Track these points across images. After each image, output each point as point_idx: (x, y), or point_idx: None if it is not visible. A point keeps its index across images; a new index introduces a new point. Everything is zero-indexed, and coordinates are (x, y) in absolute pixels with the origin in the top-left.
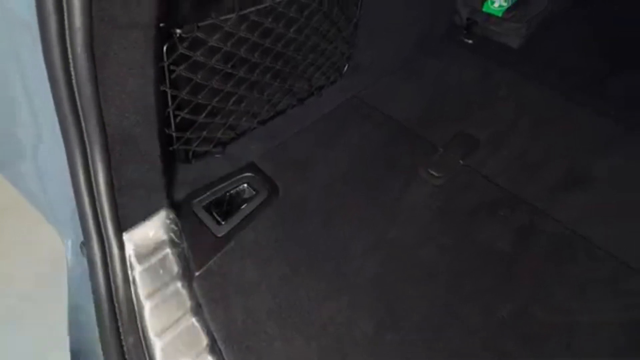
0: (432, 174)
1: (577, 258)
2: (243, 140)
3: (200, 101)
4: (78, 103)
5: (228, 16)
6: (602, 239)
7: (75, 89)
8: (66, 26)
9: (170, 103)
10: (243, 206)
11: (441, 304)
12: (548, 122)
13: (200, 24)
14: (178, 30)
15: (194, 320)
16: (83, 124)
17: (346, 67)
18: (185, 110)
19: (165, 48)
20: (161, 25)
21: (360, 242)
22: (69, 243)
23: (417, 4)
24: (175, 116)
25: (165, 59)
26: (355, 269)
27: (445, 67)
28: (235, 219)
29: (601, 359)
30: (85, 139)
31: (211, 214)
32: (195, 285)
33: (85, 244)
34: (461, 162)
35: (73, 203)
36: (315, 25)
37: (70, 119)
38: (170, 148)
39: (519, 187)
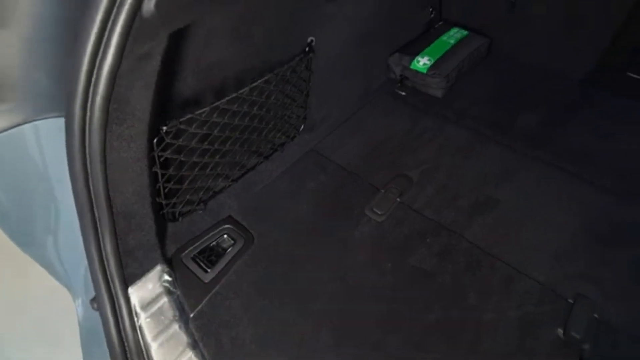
0: (375, 212)
1: (482, 269)
2: (220, 197)
3: (183, 173)
4: (92, 192)
5: (202, 110)
6: (500, 252)
7: (91, 183)
8: (87, 143)
9: (160, 179)
10: (227, 251)
11: (383, 314)
12: (464, 158)
13: (181, 120)
14: (164, 127)
15: (192, 354)
16: (95, 207)
17: (302, 126)
18: (172, 182)
19: (155, 141)
20: (151, 126)
21: (322, 274)
22: (79, 301)
23: (357, 69)
24: (164, 188)
25: (155, 148)
26: (319, 296)
27: (383, 117)
28: (219, 266)
29: (502, 347)
30: (96, 216)
31: (198, 263)
32: (190, 325)
33: (96, 300)
34: (398, 200)
35: (84, 266)
36: (274, 101)
37: (85, 205)
38: (161, 212)
39: (441, 216)
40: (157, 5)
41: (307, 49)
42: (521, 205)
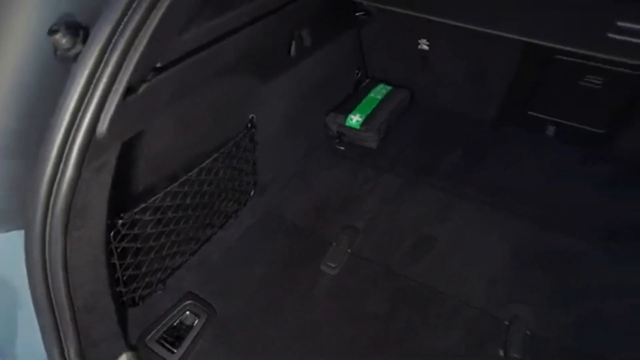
0: (330, 266)
1: (431, 304)
2: (179, 273)
3: (141, 259)
4: (52, 294)
5: (155, 197)
6: (444, 286)
7: (51, 286)
8: (47, 251)
9: (118, 269)
10: (191, 328)
11: (344, 355)
12: (400, 202)
13: (135, 210)
14: (120, 220)
15: None
16: (56, 308)
17: (252, 191)
18: (130, 269)
19: (112, 234)
20: (107, 222)
21: (285, 331)
22: None
23: (299, 130)
24: (123, 276)
25: (112, 241)
26: (282, 352)
27: (327, 172)
28: (184, 345)
29: None
30: (57, 317)
31: (163, 345)
32: None
33: None
34: (349, 251)
35: None
36: (223, 176)
37: (45, 307)
38: (121, 300)
39: (389, 260)
40: (109, 129)
41: (249, 124)
42: (457, 240)
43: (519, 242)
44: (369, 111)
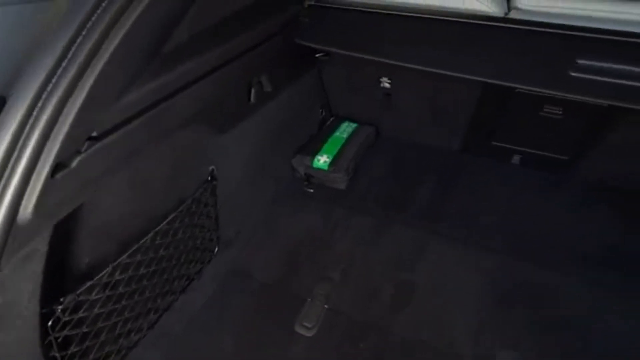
0: (305, 326)
1: (414, 353)
2: (137, 352)
3: (89, 344)
4: None
5: (102, 272)
6: (427, 335)
7: None
8: None
9: None
10: None
11: None
12: (374, 245)
13: (79, 291)
14: (59, 307)
15: None
16: None
17: (216, 248)
18: (77, 359)
19: (50, 324)
20: (42, 312)
21: None
22: None
23: (264, 175)
24: None
25: (50, 332)
26: None
27: (296, 216)
28: None
29: None
30: None
31: None
32: None
33: None
34: (326, 306)
35: None
36: (181, 236)
37: None
38: None
39: (368, 314)
40: (35, 212)
41: (209, 177)
42: (434, 283)
43: (494, 277)
44: (335, 151)
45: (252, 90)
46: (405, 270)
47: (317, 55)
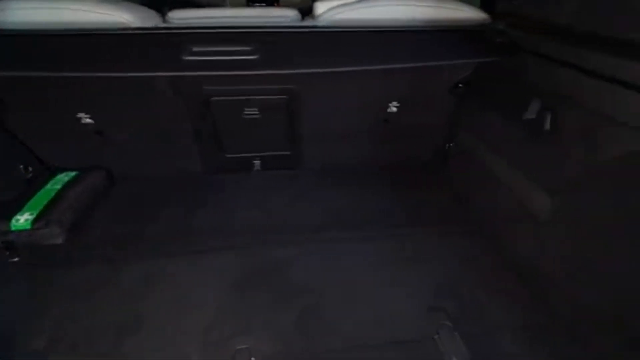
0: None
1: None
2: None
3: None
4: None
5: None
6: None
7: None
8: None
9: None
10: None
11: None
12: (105, 295)
13: None
14: None
15: None
16: None
17: None
18: None
19: None
20: None
21: None
22: None
23: None
24: None
25: None
26: None
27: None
28: None
29: None
30: None
31: None
32: None
33: None
34: None
35: None
36: None
37: None
38: None
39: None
40: None
41: None
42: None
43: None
44: (43, 205)
45: None
46: (133, 304)
47: None
